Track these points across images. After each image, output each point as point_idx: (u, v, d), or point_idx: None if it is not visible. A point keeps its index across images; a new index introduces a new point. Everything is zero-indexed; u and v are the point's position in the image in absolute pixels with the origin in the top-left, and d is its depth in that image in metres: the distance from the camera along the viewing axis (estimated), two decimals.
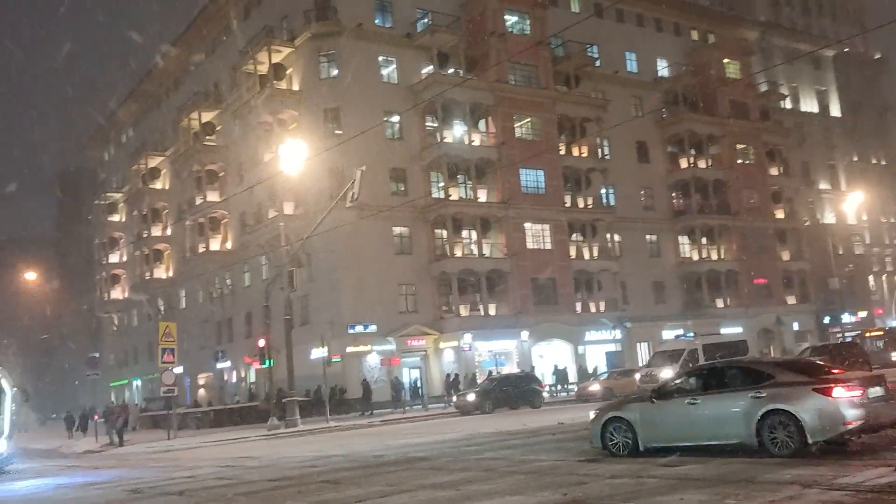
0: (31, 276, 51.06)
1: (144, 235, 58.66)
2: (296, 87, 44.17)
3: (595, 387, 35.26)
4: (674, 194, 55.70)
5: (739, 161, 57.14)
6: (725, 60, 58.73)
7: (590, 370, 44.36)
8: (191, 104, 52.69)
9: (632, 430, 12.75)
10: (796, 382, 11.23)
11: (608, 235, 49.81)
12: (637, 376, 31.79)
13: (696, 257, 54.64)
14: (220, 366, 46.63)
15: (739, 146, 57.50)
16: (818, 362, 13.68)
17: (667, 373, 30.56)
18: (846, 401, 10.71)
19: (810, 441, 10.74)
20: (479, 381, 37.55)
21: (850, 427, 10.70)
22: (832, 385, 10.88)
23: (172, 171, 57.07)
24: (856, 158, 69.92)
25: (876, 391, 11.24)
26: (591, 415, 13.87)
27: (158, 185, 59.14)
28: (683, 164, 55.25)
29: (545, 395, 36.70)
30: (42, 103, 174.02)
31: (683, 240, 55.32)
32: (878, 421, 11.09)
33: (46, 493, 14.99)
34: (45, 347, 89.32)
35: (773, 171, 59.31)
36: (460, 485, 11.15)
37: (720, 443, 11.74)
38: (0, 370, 22.56)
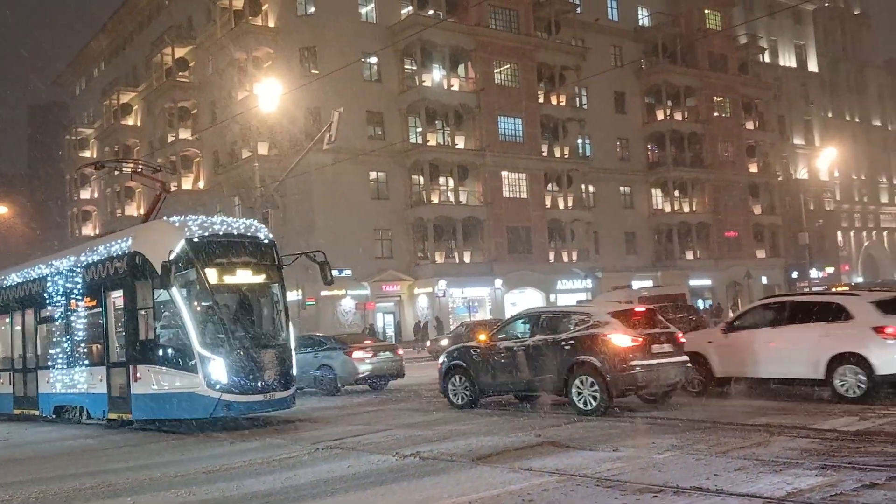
0: (1, 209, 50.12)
1: (115, 173, 57.61)
2: (272, 24, 43.26)
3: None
4: (649, 146, 55.78)
5: (716, 114, 57.21)
6: (707, 11, 58.31)
7: None
8: (164, 39, 51.39)
9: None
10: (338, 348, 18.66)
11: (583, 186, 49.92)
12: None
13: (668, 209, 54.96)
14: None
15: (717, 99, 57.50)
16: (359, 335, 24.20)
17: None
18: (359, 360, 18.26)
19: (339, 385, 18.36)
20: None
21: (361, 375, 18.39)
22: (352, 350, 18.39)
23: (144, 108, 55.98)
24: (831, 114, 70.34)
25: (387, 355, 19.17)
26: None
27: (130, 121, 57.98)
28: (660, 115, 55.16)
29: None
30: (12, 38, 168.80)
31: (657, 192, 55.59)
32: (382, 373, 19.00)
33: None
34: None
35: (749, 125, 59.48)
36: (434, 425, 11.40)
37: (308, 376, 18.39)
38: (263, 230, 13.96)
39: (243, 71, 42.78)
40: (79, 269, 14.49)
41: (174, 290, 12.08)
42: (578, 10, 51.34)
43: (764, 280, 57.03)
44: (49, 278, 15.50)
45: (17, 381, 16.47)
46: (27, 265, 17.66)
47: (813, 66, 68.90)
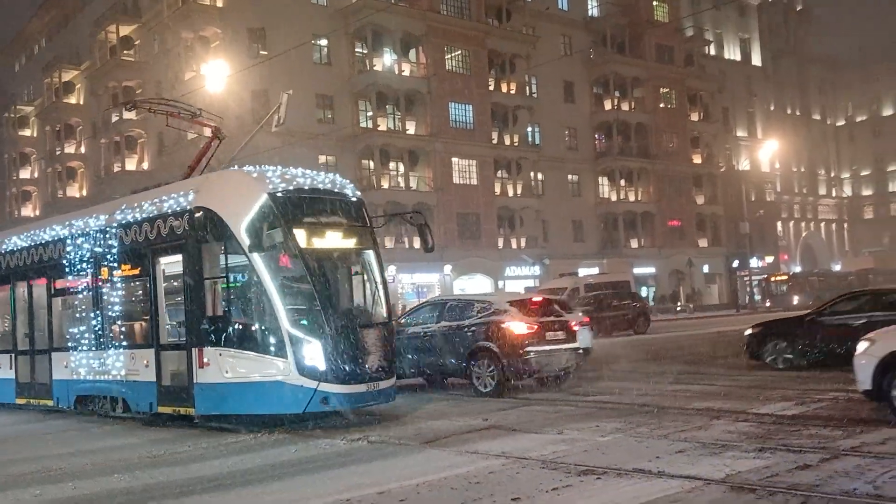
0: None
1: (57, 152, 56.26)
2: (219, 4, 42.43)
3: None
4: (597, 135, 56.35)
5: (662, 105, 58.08)
6: (655, 2, 59.07)
7: None
8: (108, 17, 50.12)
9: None
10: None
11: (532, 173, 50.27)
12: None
13: (614, 198, 55.63)
14: None
15: (663, 90, 58.33)
16: None
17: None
18: None
19: None
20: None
21: None
22: None
23: (88, 87, 54.53)
24: (773, 107, 72.00)
25: None
26: None
27: (73, 99, 56.44)
28: (608, 105, 55.72)
29: None
30: None
31: (603, 181, 56.25)
32: None
33: None
34: None
35: (694, 117, 60.53)
36: (381, 410, 11.44)
37: None
38: (349, 185, 11.99)
39: (190, 51, 41.99)
40: (113, 230, 11.79)
41: (256, 255, 9.70)
42: None
43: (706, 268, 58.35)
44: (69, 241, 12.70)
45: (22, 364, 13.78)
46: (34, 226, 14.70)
47: (756, 60, 70.38)
